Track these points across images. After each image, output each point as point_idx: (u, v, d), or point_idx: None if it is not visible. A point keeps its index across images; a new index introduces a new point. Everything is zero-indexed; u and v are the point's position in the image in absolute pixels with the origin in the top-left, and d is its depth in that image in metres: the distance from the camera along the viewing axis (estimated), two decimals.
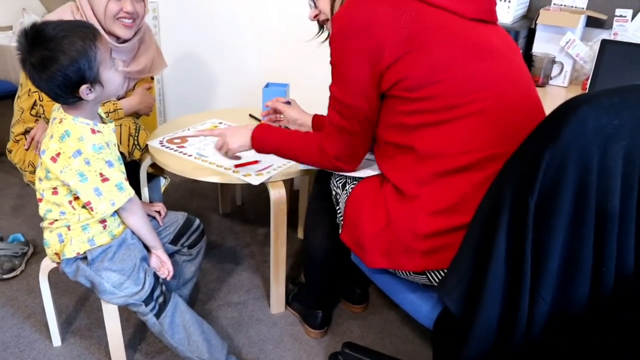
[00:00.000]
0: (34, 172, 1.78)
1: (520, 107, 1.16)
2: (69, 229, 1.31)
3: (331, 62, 1.24)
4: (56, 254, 1.36)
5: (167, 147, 1.74)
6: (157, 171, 1.85)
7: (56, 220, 1.32)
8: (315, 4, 1.40)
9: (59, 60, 1.15)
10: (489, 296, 0.95)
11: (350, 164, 1.31)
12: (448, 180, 1.12)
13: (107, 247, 1.33)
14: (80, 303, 1.84)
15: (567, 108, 0.87)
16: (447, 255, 1.09)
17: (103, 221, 1.33)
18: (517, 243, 0.92)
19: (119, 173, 1.28)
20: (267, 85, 1.97)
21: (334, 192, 1.39)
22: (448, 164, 1.12)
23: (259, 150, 1.43)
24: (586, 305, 0.97)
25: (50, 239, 1.34)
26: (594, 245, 0.93)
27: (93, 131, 1.24)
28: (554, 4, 1.96)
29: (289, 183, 2.22)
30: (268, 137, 1.41)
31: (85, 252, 1.32)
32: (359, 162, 1.33)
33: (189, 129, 1.90)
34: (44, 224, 1.35)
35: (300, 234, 2.25)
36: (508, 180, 0.93)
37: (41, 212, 1.33)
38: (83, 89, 1.19)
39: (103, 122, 1.31)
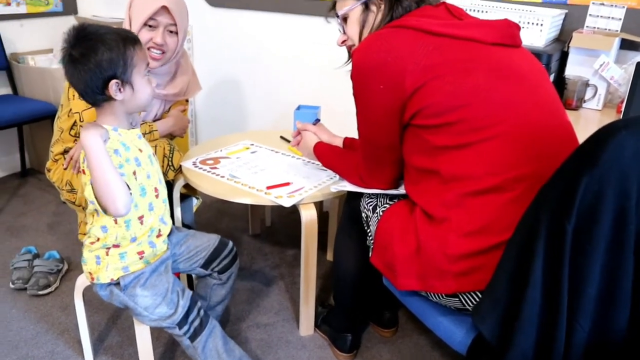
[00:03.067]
0: (71, 191, 1.83)
1: (546, 127, 1.16)
2: (107, 254, 1.33)
3: (353, 95, 1.29)
4: (90, 273, 1.38)
5: (200, 168, 1.77)
6: (189, 191, 1.88)
7: (98, 239, 1.34)
8: (344, 30, 1.43)
9: (97, 50, 1.20)
10: (525, 323, 0.94)
11: (383, 184, 1.39)
12: (475, 202, 1.12)
13: (139, 274, 1.35)
14: (112, 320, 1.86)
15: (605, 133, 0.86)
16: (480, 277, 1.09)
17: (141, 252, 1.35)
18: (553, 269, 0.90)
19: None
20: (298, 108, 2.00)
21: (364, 215, 1.40)
22: (474, 186, 1.12)
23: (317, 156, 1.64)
24: (626, 333, 0.94)
25: (88, 258, 1.37)
26: (634, 272, 0.91)
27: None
28: (587, 26, 1.95)
29: (318, 205, 2.22)
30: (323, 157, 1.60)
31: (118, 279, 1.34)
32: (392, 184, 1.39)
33: (221, 150, 1.94)
34: (86, 241, 1.37)
35: (329, 256, 2.25)
36: (544, 205, 0.92)
37: (86, 228, 1.36)
38: (112, 83, 1.22)
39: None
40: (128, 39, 1.25)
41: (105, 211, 1.23)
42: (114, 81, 1.23)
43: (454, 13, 1.29)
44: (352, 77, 1.27)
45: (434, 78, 1.14)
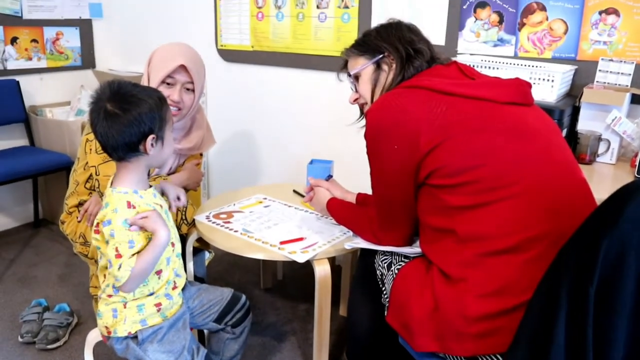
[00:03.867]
0: (84, 244, 1.83)
1: (562, 185, 1.16)
2: (125, 307, 1.32)
3: (367, 154, 1.30)
4: (106, 327, 1.36)
5: (214, 222, 1.77)
6: (202, 245, 1.88)
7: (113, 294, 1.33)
8: (356, 88, 1.45)
9: (140, 105, 1.23)
10: None
11: (397, 242, 1.37)
12: (493, 262, 1.10)
13: (157, 328, 1.33)
14: None
15: (626, 192, 0.85)
16: (499, 340, 1.06)
17: (158, 304, 1.34)
18: (577, 333, 0.88)
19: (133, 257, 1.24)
20: (311, 162, 2.01)
21: (379, 272, 1.38)
22: (491, 246, 1.11)
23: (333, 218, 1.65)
24: None
25: (104, 312, 1.34)
26: None
27: (129, 205, 1.25)
28: (597, 82, 1.97)
29: (331, 258, 2.21)
30: (336, 214, 1.60)
31: (136, 332, 1.32)
32: (405, 241, 1.37)
33: (234, 204, 1.94)
34: (103, 295, 1.35)
35: (342, 311, 2.21)
36: (565, 267, 0.90)
37: (102, 284, 1.35)
38: (150, 138, 1.25)
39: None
40: (161, 97, 1.30)
41: (117, 286, 1.26)
42: (151, 136, 1.25)
43: (465, 72, 1.31)
44: (365, 136, 1.28)
45: (448, 138, 1.15)
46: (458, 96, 1.19)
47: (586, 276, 0.85)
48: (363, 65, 1.39)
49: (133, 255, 1.23)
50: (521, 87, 1.26)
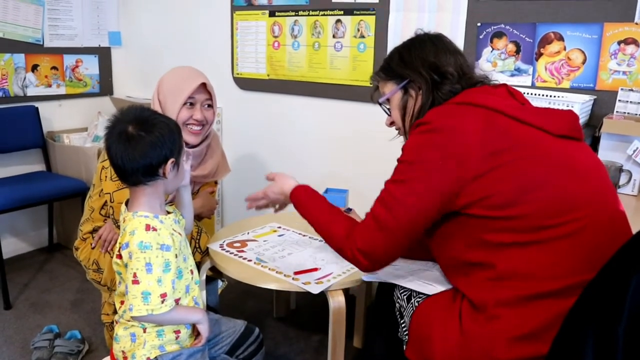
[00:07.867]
0: (97, 271, 1.82)
1: (611, 229, 1.10)
2: (145, 331, 1.31)
3: (400, 158, 1.18)
4: (123, 351, 1.33)
5: (227, 251, 1.75)
6: (215, 274, 1.86)
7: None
8: (389, 113, 1.40)
9: (162, 128, 1.24)
10: None
11: (372, 264, 1.19)
12: (532, 305, 1.05)
13: (177, 354, 1.32)
14: None
15: None
16: None
17: (177, 332, 1.33)
18: None
19: (153, 282, 1.22)
20: (326, 191, 1.99)
21: (397, 305, 1.34)
22: (533, 288, 1.05)
23: (293, 204, 1.45)
24: None
25: (122, 336, 1.32)
26: None
27: (148, 227, 1.25)
28: (617, 112, 1.94)
29: (345, 289, 2.18)
30: (304, 204, 1.42)
31: (155, 357, 1.31)
32: (382, 267, 1.23)
33: (248, 233, 1.92)
34: (121, 319, 1.33)
35: (356, 342, 2.16)
36: (591, 306, 0.87)
37: (120, 309, 1.34)
38: (169, 163, 1.25)
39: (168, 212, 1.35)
40: (177, 125, 1.31)
41: (132, 315, 1.23)
42: (171, 160, 1.26)
43: (516, 96, 1.23)
44: (411, 135, 1.18)
45: (500, 166, 1.07)
46: (514, 119, 1.12)
47: (614, 317, 0.82)
48: (391, 92, 1.32)
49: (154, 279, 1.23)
50: (574, 121, 1.19)
